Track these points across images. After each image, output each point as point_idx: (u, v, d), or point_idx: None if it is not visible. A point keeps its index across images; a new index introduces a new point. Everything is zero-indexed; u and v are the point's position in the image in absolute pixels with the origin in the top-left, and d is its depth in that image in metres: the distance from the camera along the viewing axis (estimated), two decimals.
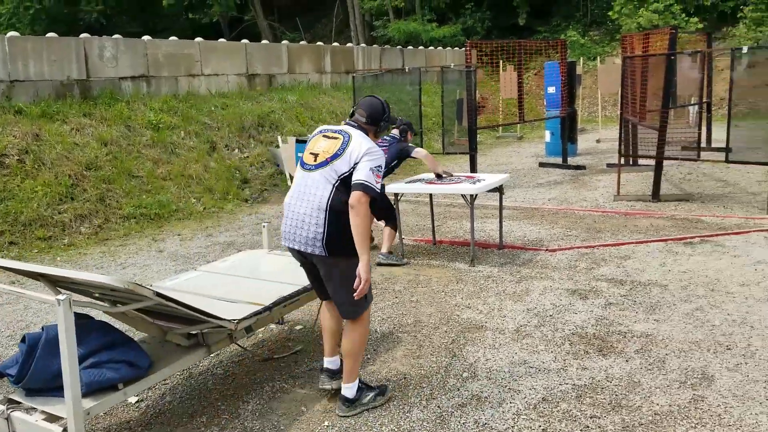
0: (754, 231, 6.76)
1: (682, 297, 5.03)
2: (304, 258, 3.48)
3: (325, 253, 3.30)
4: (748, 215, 7.47)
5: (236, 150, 10.85)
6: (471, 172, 9.94)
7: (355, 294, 3.23)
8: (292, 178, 10.23)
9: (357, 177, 3.25)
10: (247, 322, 3.44)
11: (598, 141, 15.07)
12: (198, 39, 12.57)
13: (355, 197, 3.20)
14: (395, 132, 6.58)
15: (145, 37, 11.55)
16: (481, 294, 5.32)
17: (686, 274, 5.57)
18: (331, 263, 3.34)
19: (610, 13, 22.34)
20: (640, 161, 10.60)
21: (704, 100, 12.30)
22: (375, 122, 3.60)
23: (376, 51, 17.66)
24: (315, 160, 3.40)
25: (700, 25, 20.28)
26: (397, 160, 6.40)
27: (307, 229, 3.33)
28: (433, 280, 5.73)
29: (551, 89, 12.95)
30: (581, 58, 20.13)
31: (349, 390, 3.51)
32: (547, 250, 6.50)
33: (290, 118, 12.49)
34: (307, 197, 3.37)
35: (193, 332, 3.47)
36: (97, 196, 8.32)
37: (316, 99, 13.93)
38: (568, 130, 12.16)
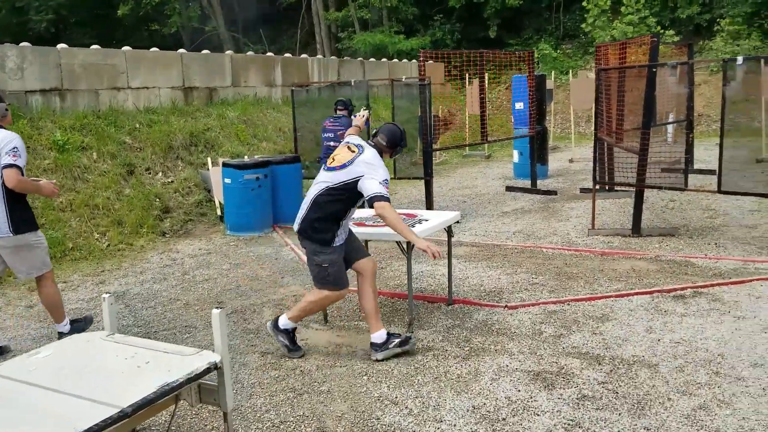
0: (756, 279, 5.56)
1: (678, 386, 3.78)
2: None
3: (298, 232, 4.32)
4: (746, 256, 6.29)
5: (159, 174, 9.47)
6: (426, 199, 8.69)
7: (433, 259, 4.18)
8: (221, 205, 8.87)
9: (373, 191, 4.06)
10: None
11: (570, 161, 13.94)
12: (125, 48, 11.19)
13: (379, 206, 4.04)
14: (344, 113, 8.09)
15: (60, 45, 10.15)
16: (415, 378, 4.02)
17: (681, 345, 4.34)
18: (303, 243, 4.34)
19: (583, 26, 21.39)
20: (618, 187, 9.45)
21: (684, 117, 11.25)
22: (393, 146, 4.41)
23: (334, 63, 16.41)
24: (331, 164, 4.30)
25: (676, 38, 19.39)
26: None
27: (303, 212, 4.28)
28: (358, 354, 4.42)
29: (519, 105, 11.80)
30: (553, 72, 19.12)
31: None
32: (506, 306, 5.23)
33: (229, 136, 11.15)
34: (313, 188, 4.30)
35: None
36: None
37: (263, 114, 12.61)
38: (537, 151, 10.99)
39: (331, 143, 7.78)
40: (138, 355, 3.12)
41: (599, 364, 4.10)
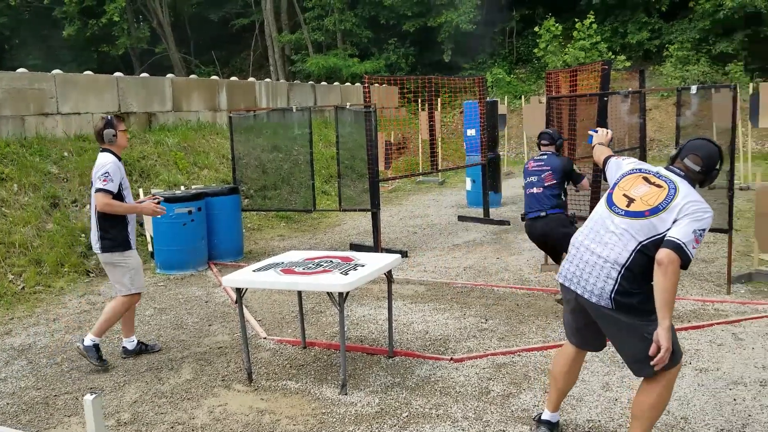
0: (716, 323, 5.24)
1: None
2: (578, 303, 3.18)
3: (611, 306, 3.02)
4: (705, 296, 5.98)
5: (87, 206, 8.80)
6: (373, 233, 8.24)
7: (653, 363, 2.90)
8: (153, 240, 8.25)
9: (674, 234, 2.90)
10: None
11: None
12: (55, 71, 10.51)
13: (665, 255, 2.85)
14: (550, 149, 5.95)
15: None
16: None
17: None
18: (618, 317, 3.03)
19: (535, 51, 21.45)
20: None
21: (637, 144, 11.08)
22: (709, 172, 3.14)
23: (283, 87, 15.93)
24: (627, 206, 3.10)
25: (627, 63, 19.55)
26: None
27: (595, 277, 3.06)
28: (281, 425, 3.89)
29: (471, 132, 11.49)
30: (506, 97, 19.03)
31: None
32: (452, 359, 4.77)
33: (166, 164, 10.53)
34: (603, 243, 3.09)
35: None
36: None
37: (205, 141, 12.03)
38: (490, 179, 10.67)
39: (534, 189, 5.82)
40: None
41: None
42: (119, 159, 4.93)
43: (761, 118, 11.68)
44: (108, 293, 6.94)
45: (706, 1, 18.58)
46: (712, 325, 5.19)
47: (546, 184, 5.73)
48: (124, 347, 5.12)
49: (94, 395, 2.59)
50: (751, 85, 13.09)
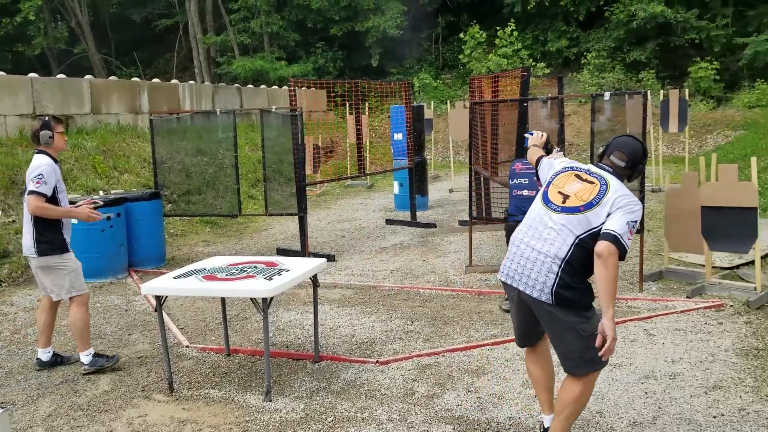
0: (629, 320, 5.48)
1: None
2: (520, 299, 3.25)
3: (552, 301, 3.08)
4: (618, 294, 6.22)
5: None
6: (301, 237, 8.20)
7: (600, 353, 2.96)
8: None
9: (610, 227, 3.02)
10: None
11: (450, 191, 13.91)
12: None
13: (604, 247, 2.97)
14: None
15: None
16: None
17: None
18: (556, 313, 3.10)
19: (460, 57, 21.87)
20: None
21: (557, 148, 11.47)
22: (634, 167, 3.31)
23: (208, 89, 15.63)
24: (563, 202, 3.21)
25: (547, 71, 20.19)
26: None
27: (536, 272, 3.13)
28: None
29: (398, 136, 11.61)
30: (433, 102, 19.32)
31: None
32: (377, 362, 4.80)
33: (84, 169, 10.16)
34: (543, 239, 3.17)
35: None
36: None
37: (126, 144, 11.67)
38: (417, 182, 10.79)
39: (524, 192, 5.88)
40: None
41: (474, 430, 3.74)
42: (56, 161, 4.78)
43: (671, 124, 12.30)
44: (21, 303, 6.64)
45: (620, 12, 19.40)
46: (625, 321, 5.42)
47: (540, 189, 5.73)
48: (38, 359, 4.93)
49: (2, 410, 2.48)
50: (661, 92, 13.76)
